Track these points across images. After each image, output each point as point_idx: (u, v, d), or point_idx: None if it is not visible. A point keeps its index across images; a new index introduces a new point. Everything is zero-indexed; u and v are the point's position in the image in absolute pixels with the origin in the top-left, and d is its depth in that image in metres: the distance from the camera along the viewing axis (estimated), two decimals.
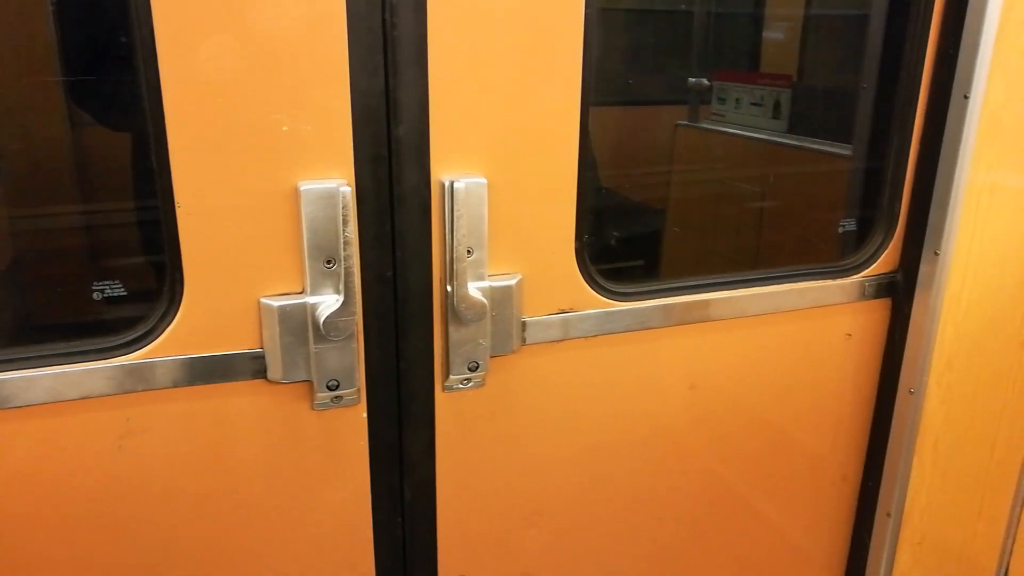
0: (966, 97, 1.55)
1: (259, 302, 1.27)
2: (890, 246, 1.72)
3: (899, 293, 1.75)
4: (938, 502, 1.86)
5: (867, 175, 1.80)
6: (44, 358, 1.21)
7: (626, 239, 2.03)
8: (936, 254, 1.66)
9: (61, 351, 1.22)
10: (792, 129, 2.33)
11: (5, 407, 1.19)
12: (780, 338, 1.70)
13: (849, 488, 1.93)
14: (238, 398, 1.31)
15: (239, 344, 1.28)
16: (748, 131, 2.46)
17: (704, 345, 1.63)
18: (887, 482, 1.85)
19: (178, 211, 1.19)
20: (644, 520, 1.72)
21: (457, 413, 1.45)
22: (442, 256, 1.34)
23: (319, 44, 1.19)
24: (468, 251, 1.33)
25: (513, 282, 1.39)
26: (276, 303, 1.27)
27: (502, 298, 1.39)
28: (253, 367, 1.30)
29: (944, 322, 1.69)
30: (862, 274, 1.73)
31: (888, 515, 1.85)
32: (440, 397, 1.43)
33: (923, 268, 1.69)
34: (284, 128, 1.20)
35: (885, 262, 1.74)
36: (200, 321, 1.25)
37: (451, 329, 1.38)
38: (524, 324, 1.44)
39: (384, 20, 1.21)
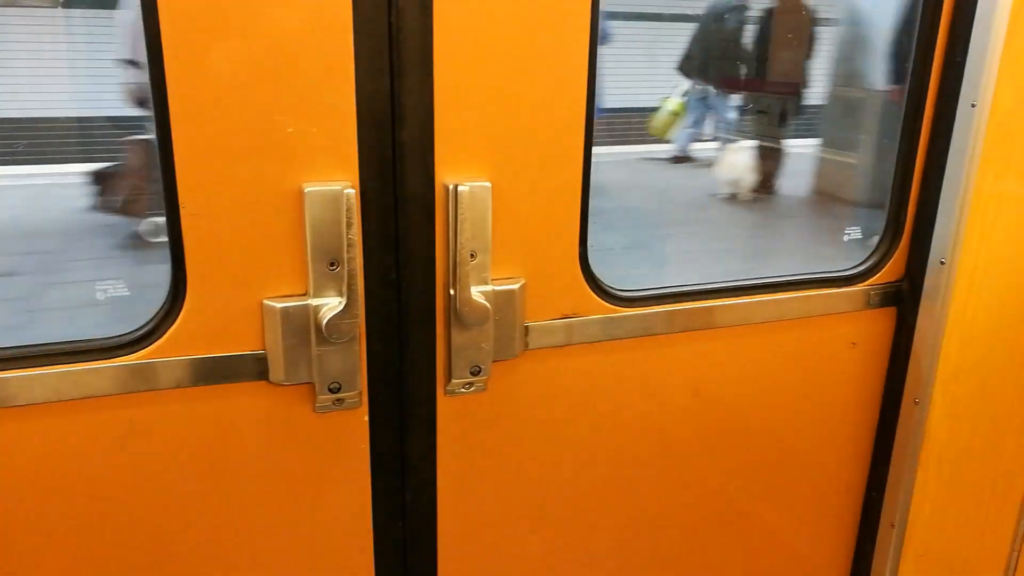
0: (973, 106, 1.54)
1: (262, 303, 1.27)
2: (896, 255, 1.72)
3: (904, 302, 1.74)
4: (943, 513, 1.85)
5: None
6: (47, 357, 1.21)
7: None
8: (942, 263, 1.65)
9: (64, 350, 1.23)
10: None
11: (8, 406, 1.19)
12: (784, 346, 1.69)
13: (853, 498, 1.91)
14: (240, 399, 1.31)
15: (242, 345, 1.28)
16: None
17: (708, 352, 1.63)
18: (891, 492, 1.84)
19: (182, 211, 1.19)
20: (646, 527, 1.71)
21: (459, 417, 1.45)
22: (445, 260, 1.34)
23: (325, 46, 1.19)
24: (471, 255, 1.33)
25: (516, 286, 1.39)
26: (279, 304, 1.27)
27: (505, 302, 1.38)
28: (256, 368, 1.30)
29: (950, 332, 1.68)
30: (867, 283, 1.72)
31: (892, 526, 1.84)
32: (442, 401, 1.43)
33: (929, 277, 1.68)
34: (289, 130, 1.21)
35: (891, 271, 1.73)
36: (203, 322, 1.25)
37: (453, 333, 1.38)
38: (527, 329, 1.43)
39: (390, 23, 1.21)
